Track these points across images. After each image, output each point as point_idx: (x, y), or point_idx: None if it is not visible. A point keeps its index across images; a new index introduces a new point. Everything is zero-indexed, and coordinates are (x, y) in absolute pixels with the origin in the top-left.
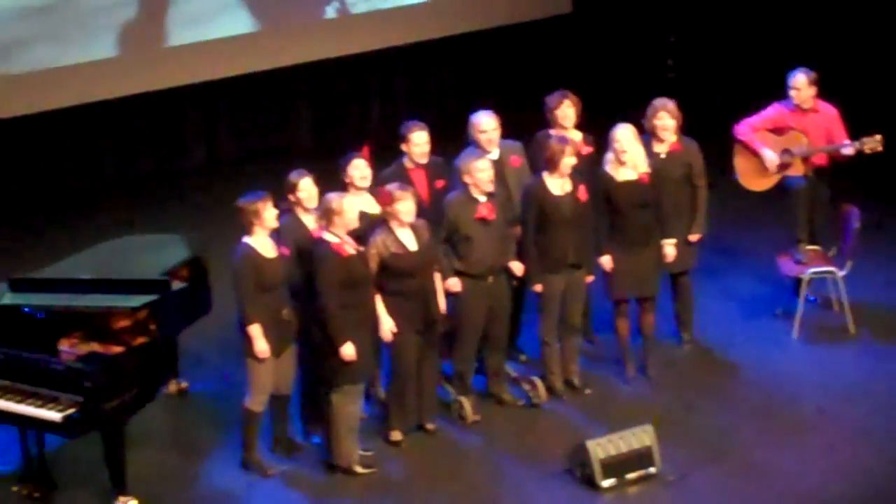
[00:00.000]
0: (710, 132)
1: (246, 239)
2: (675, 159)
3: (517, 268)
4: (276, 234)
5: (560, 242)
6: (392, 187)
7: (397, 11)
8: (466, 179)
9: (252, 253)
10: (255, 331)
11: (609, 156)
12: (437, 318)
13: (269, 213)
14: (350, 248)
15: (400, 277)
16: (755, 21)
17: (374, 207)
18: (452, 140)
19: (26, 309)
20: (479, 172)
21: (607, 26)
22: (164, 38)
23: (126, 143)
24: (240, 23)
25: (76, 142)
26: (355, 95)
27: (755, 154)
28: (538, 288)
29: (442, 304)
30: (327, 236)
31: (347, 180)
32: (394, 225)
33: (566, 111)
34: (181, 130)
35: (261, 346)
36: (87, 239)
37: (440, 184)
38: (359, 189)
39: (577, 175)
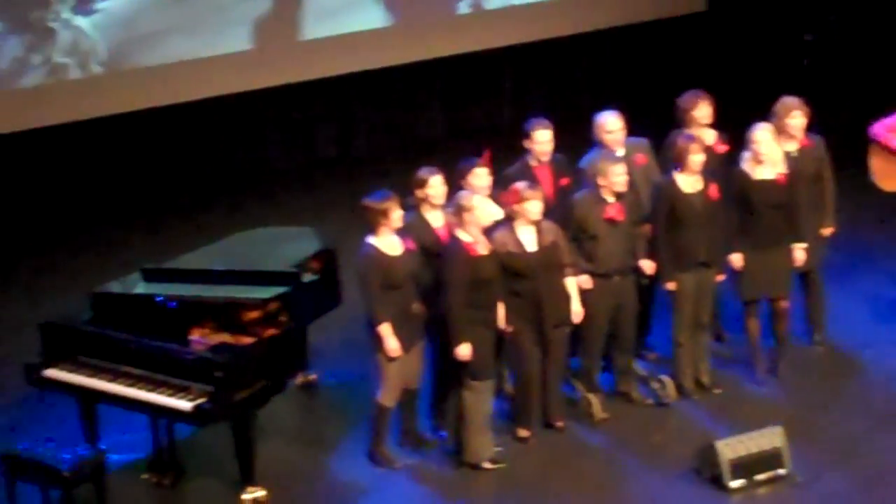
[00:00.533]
0: (838, 128)
1: (370, 239)
2: (807, 156)
3: (647, 266)
4: (402, 230)
5: (691, 241)
6: (521, 186)
7: (530, 8)
8: (600, 181)
9: (376, 253)
10: (386, 330)
11: (746, 154)
12: (556, 319)
13: (396, 214)
14: (482, 247)
15: (514, 277)
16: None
17: (497, 213)
18: (582, 138)
19: (159, 298)
20: (616, 176)
21: (742, 25)
22: (298, 31)
23: (258, 136)
24: (373, 17)
25: (210, 134)
26: (487, 91)
27: (892, 154)
28: (671, 286)
29: (575, 305)
30: (461, 235)
31: (468, 187)
32: (518, 224)
33: (702, 111)
34: (313, 124)
35: (391, 344)
36: (219, 230)
37: (564, 181)
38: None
39: (709, 173)
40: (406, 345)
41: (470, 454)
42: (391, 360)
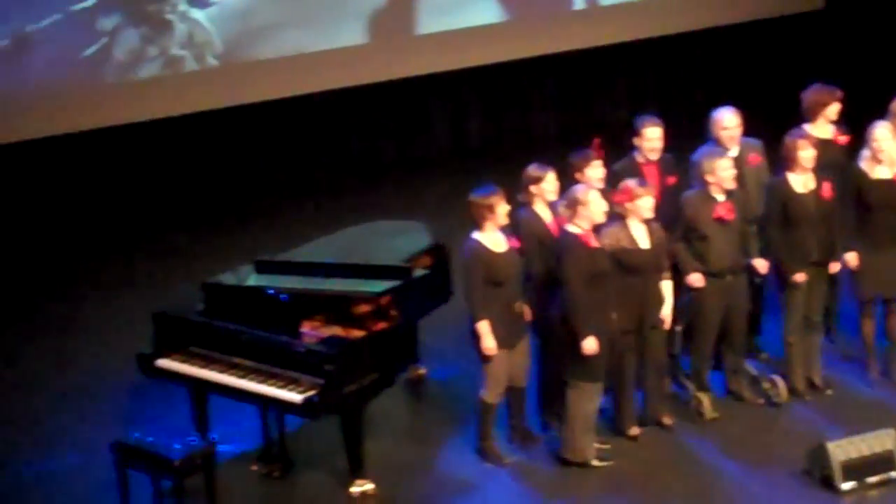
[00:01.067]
0: None
1: (475, 234)
2: None
3: (761, 265)
4: (510, 227)
5: (803, 240)
6: (632, 183)
7: (645, 4)
8: (708, 178)
9: (480, 249)
10: (483, 327)
11: (865, 153)
12: (655, 319)
13: (501, 209)
14: (595, 240)
15: (625, 274)
16: None
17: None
18: (691, 136)
19: (270, 291)
20: (722, 171)
21: (860, 22)
22: (414, 26)
23: (372, 130)
24: (488, 13)
25: (323, 127)
26: (600, 88)
27: None
28: (799, 277)
29: (667, 307)
30: (572, 228)
31: (584, 180)
32: (630, 221)
33: (833, 106)
34: (427, 118)
35: (488, 342)
36: (332, 223)
37: (672, 180)
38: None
39: (822, 172)
40: (507, 342)
41: (575, 452)
42: (490, 357)
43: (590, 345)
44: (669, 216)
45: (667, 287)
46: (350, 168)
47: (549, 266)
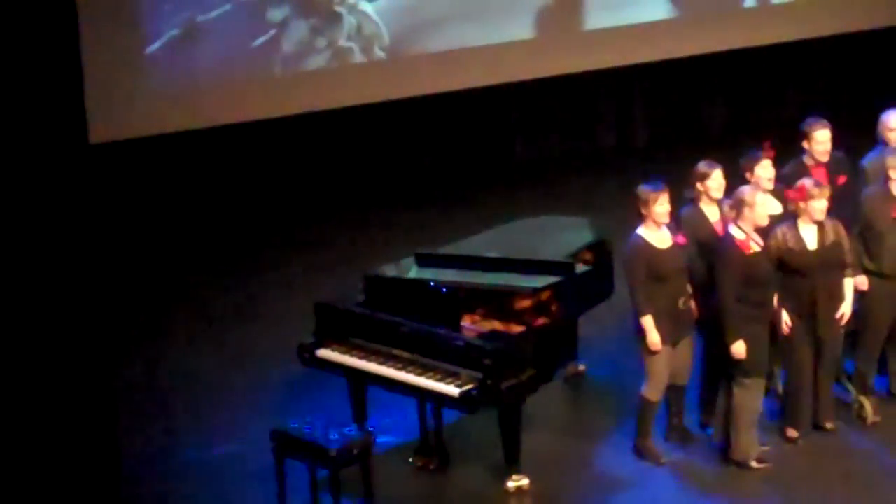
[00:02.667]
0: None
1: (640, 230)
2: None
3: None
4: (676, 223)
5: None
6: (808, 183)
7: (818, 3)
8: (892, 174)
9: (642, 244)
10: (648, 322)
11: None
12: (830, 319)
13: (658, 207)
14: (755, 244)
15: (792, 274)
16: None
17: (774, 208)
18: (857, 134)
19: (431, 283)
20: None
21: None
22: (582, 21)
23: (538, 125)
24: (658, 8)
25: (488, 121)
26: (770, 86)
27: None
28: None
29: (847, 307)
30: (734, 231)
31: (753, 180)
32: (802, 221)
33: None
34: (594, 114)
35: (653, 337)
36: (495, 218)
37: (841, 180)
38: (764, 190)
39: None
40: (671, 339)
41: (737, 452)
42: (653, 353)
43: (738, 348)
44: (839, 216)
45: (848, 285)
46: (514, 163)
47: (711, 263)
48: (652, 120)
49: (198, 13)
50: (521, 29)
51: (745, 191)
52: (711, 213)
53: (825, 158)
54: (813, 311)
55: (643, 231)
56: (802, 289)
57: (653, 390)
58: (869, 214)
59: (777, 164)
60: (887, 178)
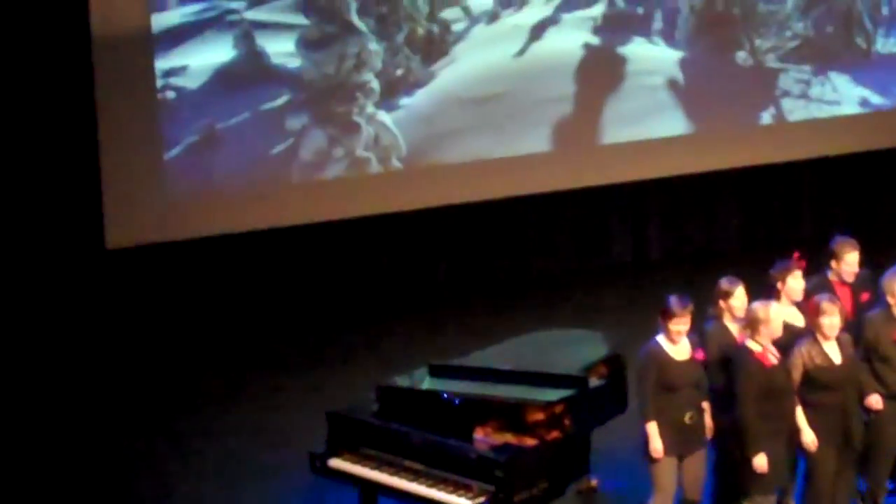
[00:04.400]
0: None
1: (658, 337)
2: None
3: None
4: (697, 338)
5: None
6: (820, 299)
7: (835, 121)
8: (890, 299)
9: (658, 351)
10: (652, 429)
11: None
12: (855, 434)
13: (675, 326)
14: (773, 357)
15: (822, 390)
16: None
17: (798, 320)
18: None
19: (445, 395)
20: None
21: None
22: (599, 135)
23: (553, 237)
24: (675, 124)
25: (503, 233)
26: (786, 203)
27: None
28: None
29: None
30: (751, 344)
31: (784, 290)
32: (819, 337)
33: None
34: (609, 227)
35: (655, 444)
36: (509, 329)
37: (865, 297)
38: (792, 301)
39: None
40: (676, 450)
41: None
42: (656, 461)
43: (760, 462)
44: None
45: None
46: (528, 275)
47: (731, 377)
48: (667, 234)
49: (217, 120)
50: (537, 141)
51: (758, 308)
52: (734, 329)
53: (851, 279)
54: (841, 426)
55: (662, 339)
56: (831, 404)
57: (658, 502)
58: (872, 337)
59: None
60: (889, 301)
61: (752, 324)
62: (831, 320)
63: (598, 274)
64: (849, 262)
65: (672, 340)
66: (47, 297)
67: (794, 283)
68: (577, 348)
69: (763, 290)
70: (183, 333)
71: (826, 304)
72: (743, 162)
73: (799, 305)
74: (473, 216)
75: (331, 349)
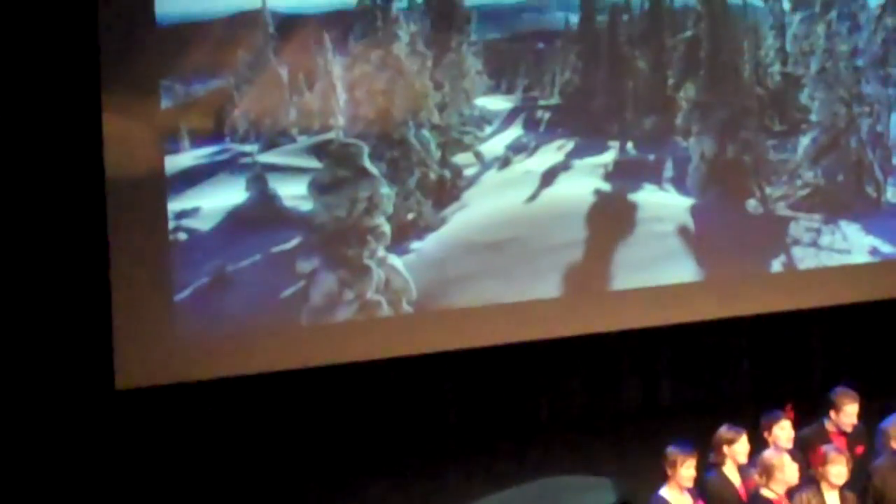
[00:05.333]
0: None
1: (662, 490)
2: None
3: None
4: (699, 488)
5: None
6: (827, 449)
7: (844, 270)
8: (894, 445)
9: None
10: None
11: None
12: None
13: (685, 471)
14: None
15: None
16: None
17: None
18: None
19: None
20: None
21: None
22: (609, 281)
23: (563, 383)
24: (685, 271)
25: (512, 378)
26: (795, 352)
27: None
28: None
29: None
30: (766, 493)
31: (771, 439)
32: (823, 486)
33: None
34: (618, 374)
35: None
36: (517, 477)
37: (860, 450)
38: (781, 450)
39: None
40: None
41: None
42: None
43: None
44: (860, 486)
45: None
46: (537, 421)
47: None
48: (677, 381)
49: (228, 262)
50: (548, 287)
51: (772, 456)
52: (735, 478)
53: (849, 430)
54: None
55: (666, 492)
56: None
57: None
58: (880, 485)
59: (796, 427)
60: (893, 447)
61: (766, 471)
62: (839, 469)
63: (608, 420)
64: (848, 413)
65: (679, 487)
66: (55, 437)
67: (781, 433)
68: (585, 496)
69: (753, 438)
70: (191, 475)
71: (833, 454)
72: (753, 310)
73: (791, 454)
74: (483, 360)
75: (339, 493)
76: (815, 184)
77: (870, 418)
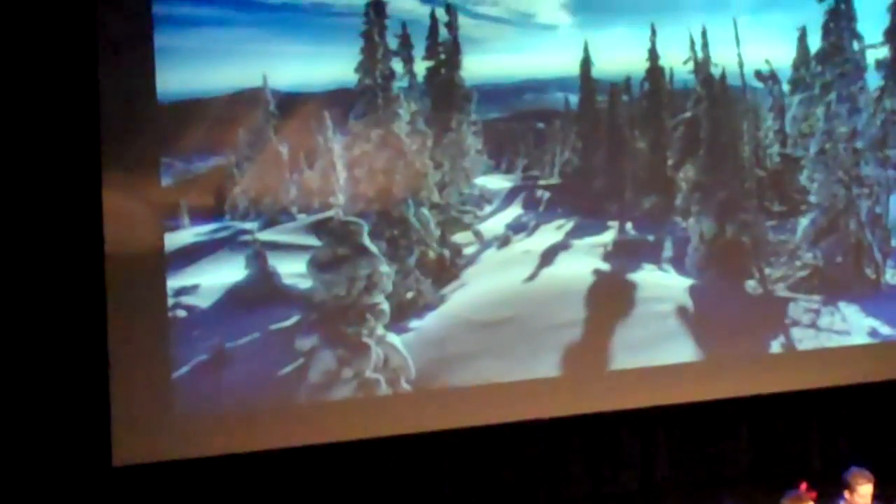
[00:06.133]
0: None
1: None
2: None
3: None
4: None
5: None
6: None
7: (844, 351)
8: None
9: None
10: None
11: None
12: None
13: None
14: None
15: None
16: None
17: None
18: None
19: None
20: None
21: None
22: (608, 361)
23: (560, 463)
24: (684, 351)
25: (510, 457)
26: (795, 433)
27: None
28: None
29: None
30: None
31: None
32: None
33: None
34: (616, 454)
35: None
36: None
37: None
38: None
39: None
40: None
41: None
42: None
43: None
44: None
45: None
46: (535, 501)
47: None
48: (675, 461)
49: (227, 339)
50: (547, 366)
51: None
52: None
53: None
54: None
55: None
56: None
57: None
58: None
59: None
60: None
61: None
62: None
63: (606, 500)
64: (862, 493)
65: None
66: None
67: None
68: None
69: None
70: None
71: None
72: (752, 390)
73: None
74: (481, 439)
75: None
76: (814, 265)
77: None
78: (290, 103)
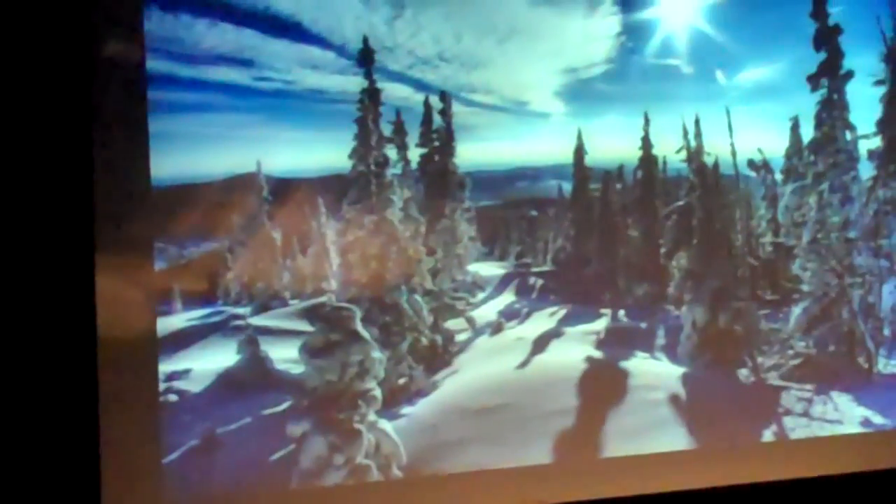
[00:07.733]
0: None
1: None
2: None
3: None
4: None
5: None
6: None
7: (837, 440)
8: None
9: None
10: None
11: None
12: None
13: None
14: None
15: None
16: None
17: None
18: None
19: None
20: None
21: None
22: (600, 449)
23: None
24: (675, 439)
25: None
26: None
27: None
28: None
29: None
30: None
31: None
32: None
33: None
34: None
35: None
36: None
37: None
38: None
39: None
40: None
41: None
42: None
43: None
44: None
45: None
46: None
47: None
48: None
49: (218, 424)
50: (538, 454)
51: None
52: None
53: None
54: None
55: None
56: None
57: None
58: None
59: None
60: None
61: None
62: None
63: None
64: None
65: None
66: None
67: None
68: None
69: None
70: None
71: None
72: (744, 479)
73: None
74: None
75: None
76: (806, 353)
77: None
78: (284, 189)
